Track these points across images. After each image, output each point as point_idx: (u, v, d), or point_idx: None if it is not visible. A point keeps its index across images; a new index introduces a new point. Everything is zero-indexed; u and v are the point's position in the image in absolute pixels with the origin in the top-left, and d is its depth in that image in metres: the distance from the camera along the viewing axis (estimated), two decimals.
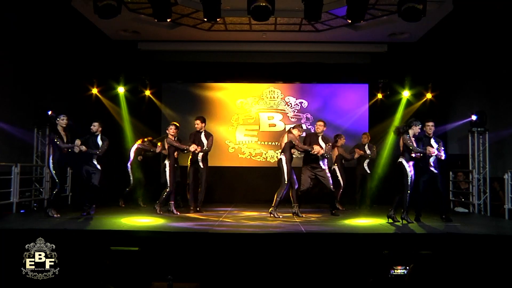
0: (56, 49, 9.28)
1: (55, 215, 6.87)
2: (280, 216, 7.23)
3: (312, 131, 9.51)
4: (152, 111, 10.56)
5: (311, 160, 7.57)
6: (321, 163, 7.55)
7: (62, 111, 7.31)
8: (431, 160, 6.84)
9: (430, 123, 7.01)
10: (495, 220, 7.70)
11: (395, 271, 4.74)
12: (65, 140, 6.97)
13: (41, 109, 8.80)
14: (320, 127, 7.70)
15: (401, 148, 6.79)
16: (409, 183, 6.60)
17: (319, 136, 7.69)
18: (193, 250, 5.40)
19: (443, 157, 6.82)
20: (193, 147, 7.67)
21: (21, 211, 7.94)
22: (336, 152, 8.77)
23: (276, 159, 10.43)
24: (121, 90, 10.26)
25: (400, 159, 6.75)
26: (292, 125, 7.79)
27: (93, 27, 8.85)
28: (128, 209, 8.21)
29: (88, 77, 10.03)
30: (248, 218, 7.31)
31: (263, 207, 8.51)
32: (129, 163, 8.76)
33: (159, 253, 5.29)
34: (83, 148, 7.00)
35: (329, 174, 7.60)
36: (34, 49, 8.79)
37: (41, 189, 8.83)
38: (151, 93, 10.51)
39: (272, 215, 7.28)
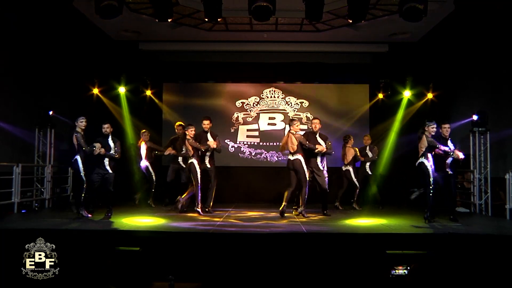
0: (58, 49, 9.28)
1: (89, 215, 6.88)
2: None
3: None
4: (153, 111, 10.57)
5: (310, 160, 7.59)
6: (319, 164, 7.59)
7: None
8: (448, 160, 6.91)
9: (447, 125, 7.08)
10: (496, 220, 7.69)
11: (396, 271, 4.73)
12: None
13: (42, 109, 8.79)
14: (317, 125, 7.71)
15: (421, 151, 6.78)
16: (431, 183, 6.60)
17: (316, 134, 7.70)
18: (195, 250, 5.41)
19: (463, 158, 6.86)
20: (213, 143, 7.69)
21: (22, 211, 7.94)
22: (352, 152, 8.76)
23: (277, 159, 10.47)
24: (122, 90, 10.26)
25: (422, 160, 6.74)
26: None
27: (94, 27, 8.87)
28: (131, 209, 8.19)
29: (89, 77, 10.02)
30: (249, 218, 7.32)
31: (263, 207, 8.50)
32: (145, 162, 8.80)
33: (160, 253, 5.30)
34: (102, 151, 6.94)
35: (326, 175, 7.66)
36: (36, 49, 8.79)
37: (42, 189, 8.83)
38: (152, 93, 10.51)
39: (301, 214, 7.47)
